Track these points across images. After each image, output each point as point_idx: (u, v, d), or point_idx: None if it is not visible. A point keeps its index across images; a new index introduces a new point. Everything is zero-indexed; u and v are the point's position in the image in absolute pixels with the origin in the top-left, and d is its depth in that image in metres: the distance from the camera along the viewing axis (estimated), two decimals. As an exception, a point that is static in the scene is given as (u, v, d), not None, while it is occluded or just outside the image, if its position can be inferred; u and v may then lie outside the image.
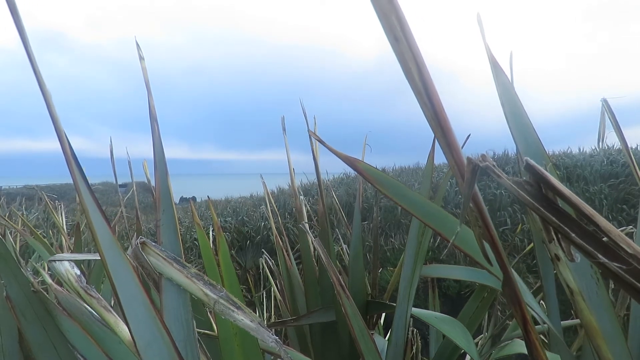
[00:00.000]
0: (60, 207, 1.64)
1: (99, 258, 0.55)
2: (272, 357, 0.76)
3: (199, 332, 0.57)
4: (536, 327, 0.80)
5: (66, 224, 1.85)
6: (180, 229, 0.72)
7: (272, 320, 1.61)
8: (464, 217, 0.23)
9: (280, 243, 1.15)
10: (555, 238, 0.26)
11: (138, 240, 0.42)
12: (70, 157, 0.33)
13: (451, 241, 0.36)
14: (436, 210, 0.49)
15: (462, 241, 0.51)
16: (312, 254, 1.06)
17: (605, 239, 0.21)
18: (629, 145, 0.58)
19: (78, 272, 0.50)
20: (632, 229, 0.76)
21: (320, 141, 0.56)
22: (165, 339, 0.38)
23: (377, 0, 0.19)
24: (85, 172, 0.36)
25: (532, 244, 0.58)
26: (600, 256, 0.21)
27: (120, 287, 0.37)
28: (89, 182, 0.36)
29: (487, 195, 3.85)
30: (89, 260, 1.27)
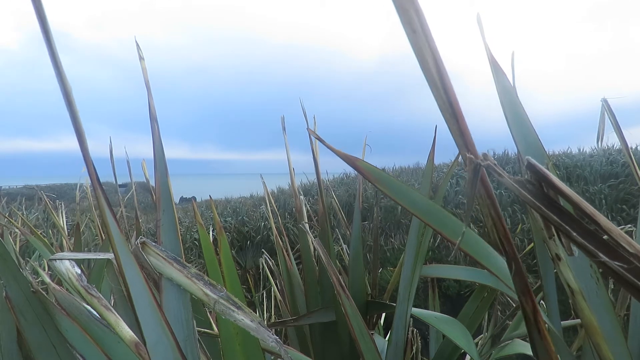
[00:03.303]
0: (61, 206, 1.64)
1: (100, 257, 0.55)
2: (272, 357, 0.76)
3: (198, 332, 0.57)
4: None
5: (66, 224, 1.85)
6: (180, 229, 0.72)
7: (272, 320, 1.61)
8: (467, 218, 0.23)
9: (280, 243, 1.15)
10: (555, 235, 0.26)
11: (138, 240, 0.42)
12: (89, 158, 0.33)
13: (457, 243, 0.36)
14: (437, 209, 0.49)
15: (464, 241, 0.51)
16: (312, 254, 1.06)
17: (606, 237, 0.21)
18: (629, 145, 0.58)
19: (79, 271, 0.50)
20: (631, 228, 0.76)
21: (320, 139, 0.56)
22: (169, 339, 0.38)
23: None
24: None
25: (532, 244, 0.58)
26: (601, 255, 0.21)
27: (132, 287, 0.37)
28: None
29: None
30: (89, 260, 1.27)
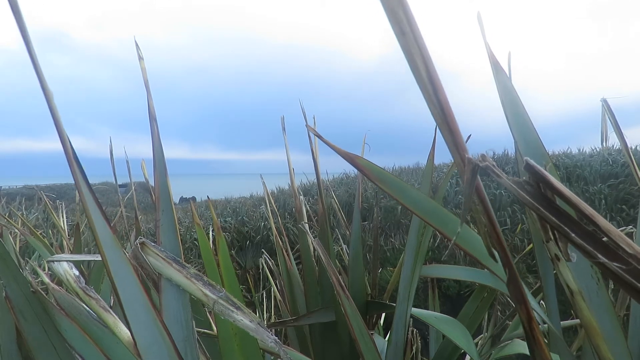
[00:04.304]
0: (61, 207, 1.64)
1: (97, 259, 0.55)
2: (272, 357, 0.76)
3: (198, 332, 0.57)
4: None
5: (66, 224, 1.85)
6: (179, 229, 0.72)
7: (272, 320, 1.61)
8: (464, 217, 0.23)
9: (280, 243, 1.15)
10: (552, 238, 0.26)
11: (137, 241, 0.42)
12: (72, 158, 0.33)
13: (453, 240, 0.36)
14: (437, 208, 0.49)
15: (464, 240, 0.51)
16: (312, 254, 1.06)
17: (605, 239, 0.21)
18: (629, 145, 0.58)
19: (77, 273, 0.50)
20: (631, 229, 0.76)
21: (318, 136, 0.55)
22: (165, 340, 0.38)
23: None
24: (85, 172, 0.36)
25: (532, 244, 0.58)
26: (600, 256, 0.21)
27: (121, 288, 0.37)
28: (89, 182, 0.36)
29: (487, 196, 3.84)
30: (89, 260, 1.27)
